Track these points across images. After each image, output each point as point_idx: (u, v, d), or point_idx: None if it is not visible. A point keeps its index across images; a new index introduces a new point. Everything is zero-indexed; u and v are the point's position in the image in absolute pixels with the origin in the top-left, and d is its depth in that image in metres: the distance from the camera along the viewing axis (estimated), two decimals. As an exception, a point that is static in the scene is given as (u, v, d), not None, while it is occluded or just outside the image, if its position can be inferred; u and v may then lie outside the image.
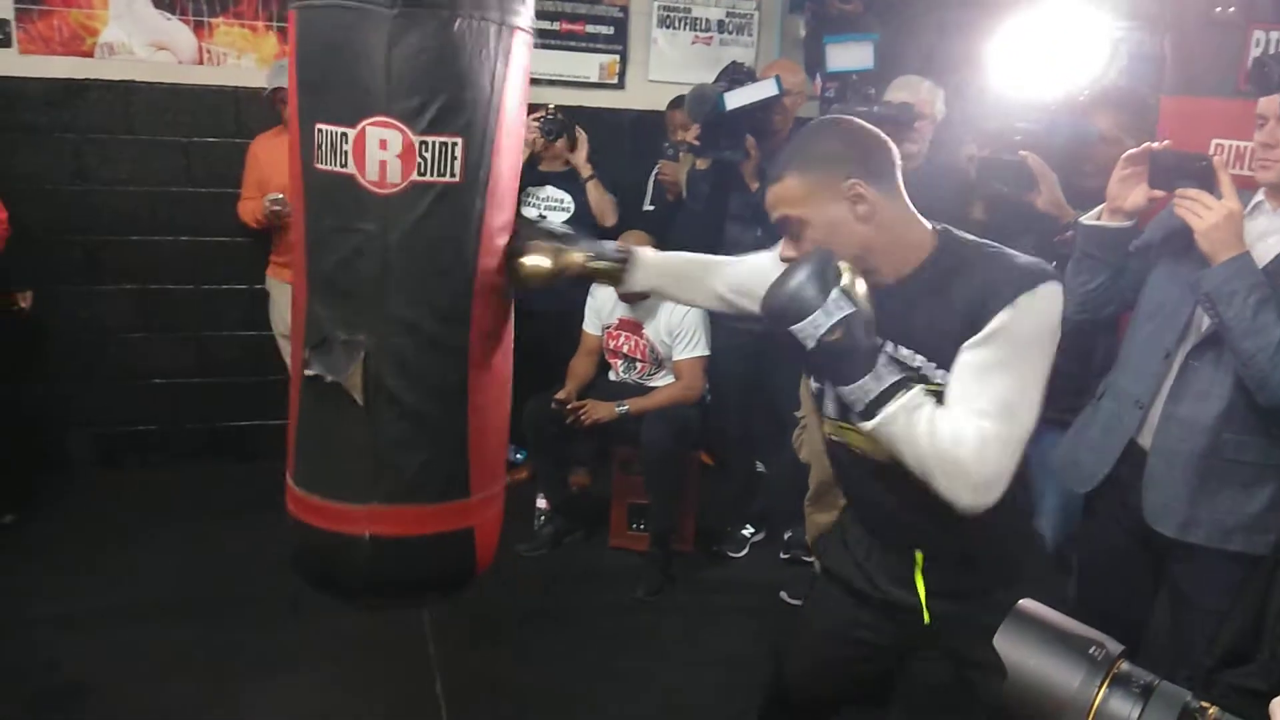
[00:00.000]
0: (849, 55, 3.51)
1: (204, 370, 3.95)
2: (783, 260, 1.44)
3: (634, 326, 3.42)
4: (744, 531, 3.56)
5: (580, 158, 3.65)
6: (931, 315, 1.40)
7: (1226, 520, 1.79)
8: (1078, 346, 2.37)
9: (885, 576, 1.60)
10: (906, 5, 4.03)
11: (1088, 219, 1.96)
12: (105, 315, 3.81)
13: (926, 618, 1.57)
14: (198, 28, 3.74)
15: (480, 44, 1.65)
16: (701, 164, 3.23)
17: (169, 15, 3.70)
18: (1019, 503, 1.51)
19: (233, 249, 3.88)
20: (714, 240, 3.22)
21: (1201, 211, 1.69)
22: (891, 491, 1.45)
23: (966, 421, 1.31)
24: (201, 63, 3.76)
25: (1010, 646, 0.86)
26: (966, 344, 1.35)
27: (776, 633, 2.93)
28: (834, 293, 1.31)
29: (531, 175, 3.71)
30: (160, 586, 3.06)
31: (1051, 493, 2.49)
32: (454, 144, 1.65)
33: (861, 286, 1.35)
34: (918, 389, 1.34)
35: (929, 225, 1.48)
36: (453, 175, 1.66)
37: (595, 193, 3.65)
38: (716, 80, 3.10)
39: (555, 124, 3.61)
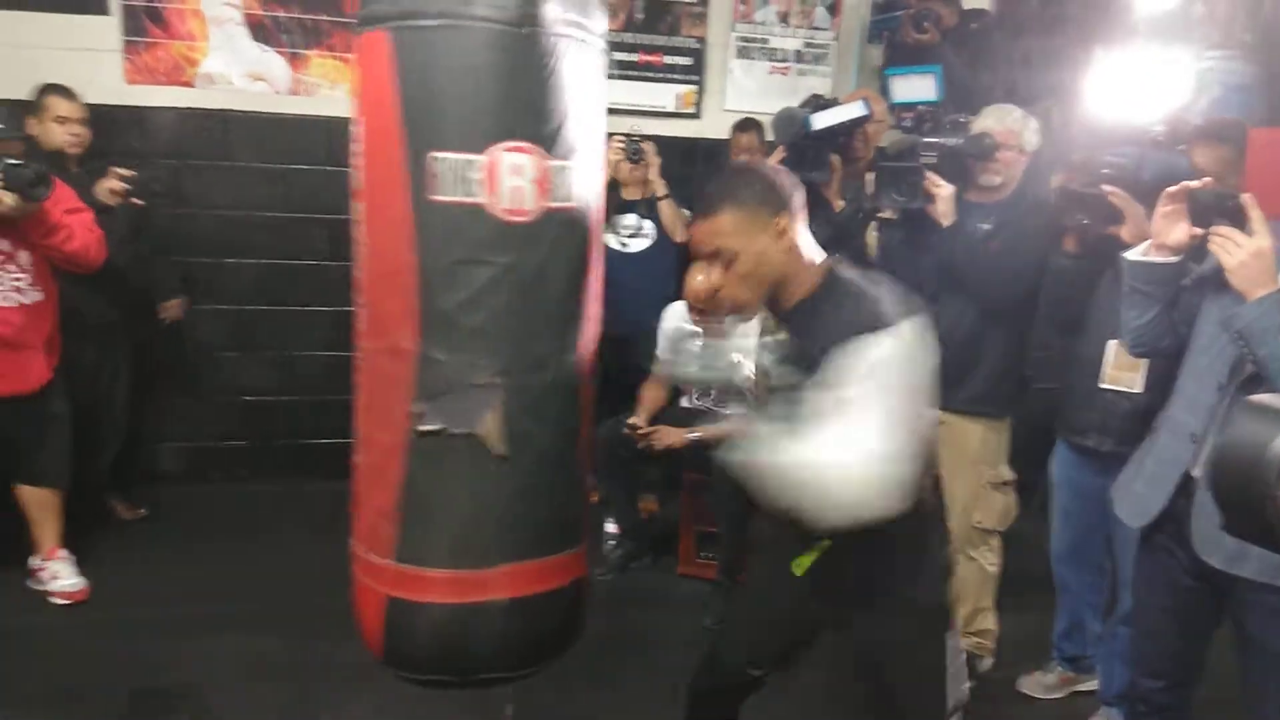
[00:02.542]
0: (911, 87, 3.50)
1: (292, 389, 4.09)
2: (706, 288, 1.64)
3: (707, 354, 3.43)
4: (814, 562, 3.52)
5: (654, 175, 3.73)
6: (805, 342, 1.56)
7: (1277, 556, 1.74)
8: (1155, 381, 2.33)
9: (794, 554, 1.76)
10: (985, 34, 4.00)
11: (1133, 254, 1.97)
12: (200, 334, 3.97)
13: (800, 571, 1.73)
14: (293, 59, 3.90)
15: (588, 65, 1.60)
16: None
17: (265, 47, 3.87)
18: (911, 519, 1.57)
19: (321, 272, 4.02)
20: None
21: (1231, 249, 1.71)
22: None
23: (820, 457, 1.42)
24: (296, 93, 3.91)
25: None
26: (818, 383, 1.47)
27: (844, 665, 2.90)
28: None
29: (615, 203, 3.77)
30: (248, 596, 3.16)
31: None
32: (571, 167, 1.58)
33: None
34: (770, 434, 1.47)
35: (819, 260, 1.64)
36: (570, 200, 1.59)
37: (669, 210, 3.75)
38: (820, 106, 3.12)
39: (637, 147, 3.68)
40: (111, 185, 3.13)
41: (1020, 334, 2.76)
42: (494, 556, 1.62)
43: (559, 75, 1.55)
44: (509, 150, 1.52)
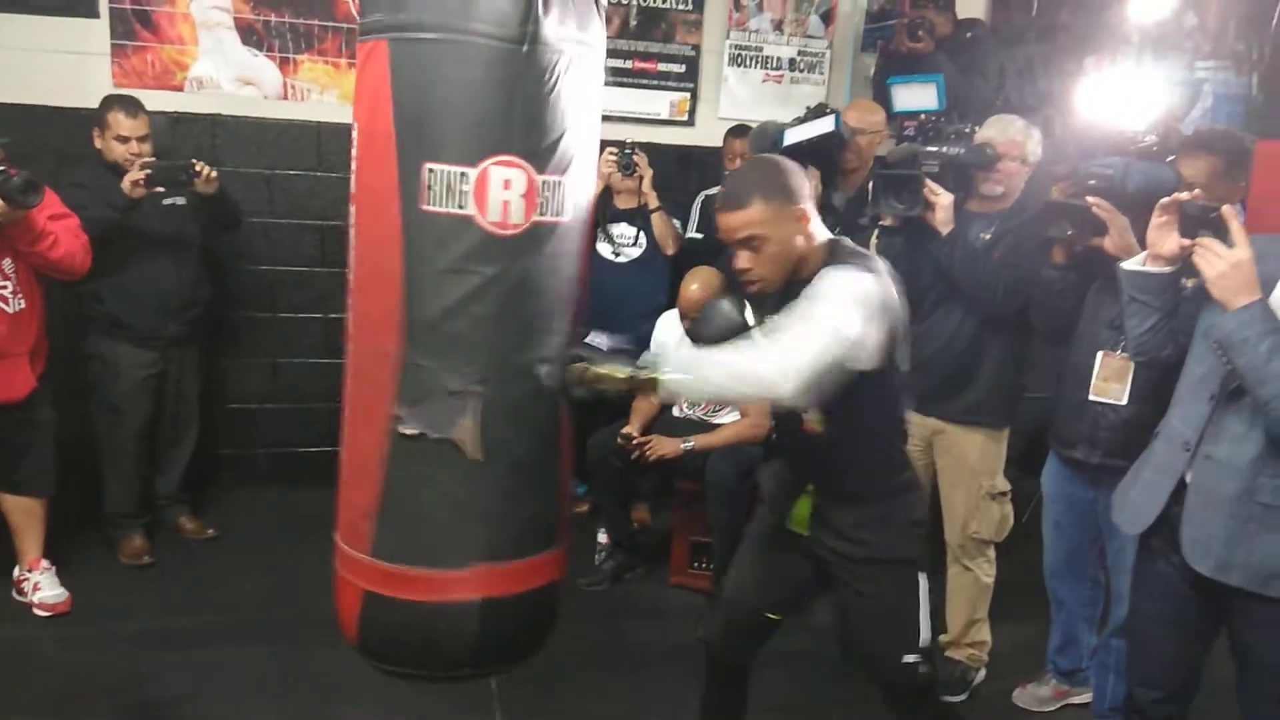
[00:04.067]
0: (913, 96, 3.50)
1: (279, 396, 4.05)
2: (739, 270, 1.85)
3: (700, 363, 3.41)
4: (807, 573, 3.50)
5: (646, 187, 3.69)
6: None
7: (1265, 565, 1.78)
8: (1140, 394, 2.33)
9: (789, 502, 2.05)
10: (978, 43, 4.01)
11: (1129, 264, 2.00)
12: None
13: (805, 530, 2.02)
14: (283, 64, 3.86)
15: (583, 79, 1.62)
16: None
17: (256, 52, 3.83)
18: (892, 460, 1.97)
19: (310, 278, 3.98)
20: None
21: (1212, 260, 1.75)
22: (806, 449, 1.95)
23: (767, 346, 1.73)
24: (286, 98, 3.88)
25: None
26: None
27: (836, 677, 2.88)
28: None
29: (608, 212, 3.75)
30: (238, 607, 3.12)
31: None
32: (562, 183, 1.62)
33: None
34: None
35: (827, 236, 1.89)
36: (562, 214, 1.63)
37: (660, 223, 3.71)
38: (802, 119, 3.12)
39: (629, 159, 3.67)
40: (132, 177, 3.11)
41: (1019, 344, 2.75)
42: (469, 558, 1.68)
43: (557, 92, 1.58)
44: (499, 164, 1.56)
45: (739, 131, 3.78)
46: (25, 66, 3.58)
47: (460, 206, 1.57)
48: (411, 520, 1.68)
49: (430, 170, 1.57)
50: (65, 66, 3.61)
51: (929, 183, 2.58)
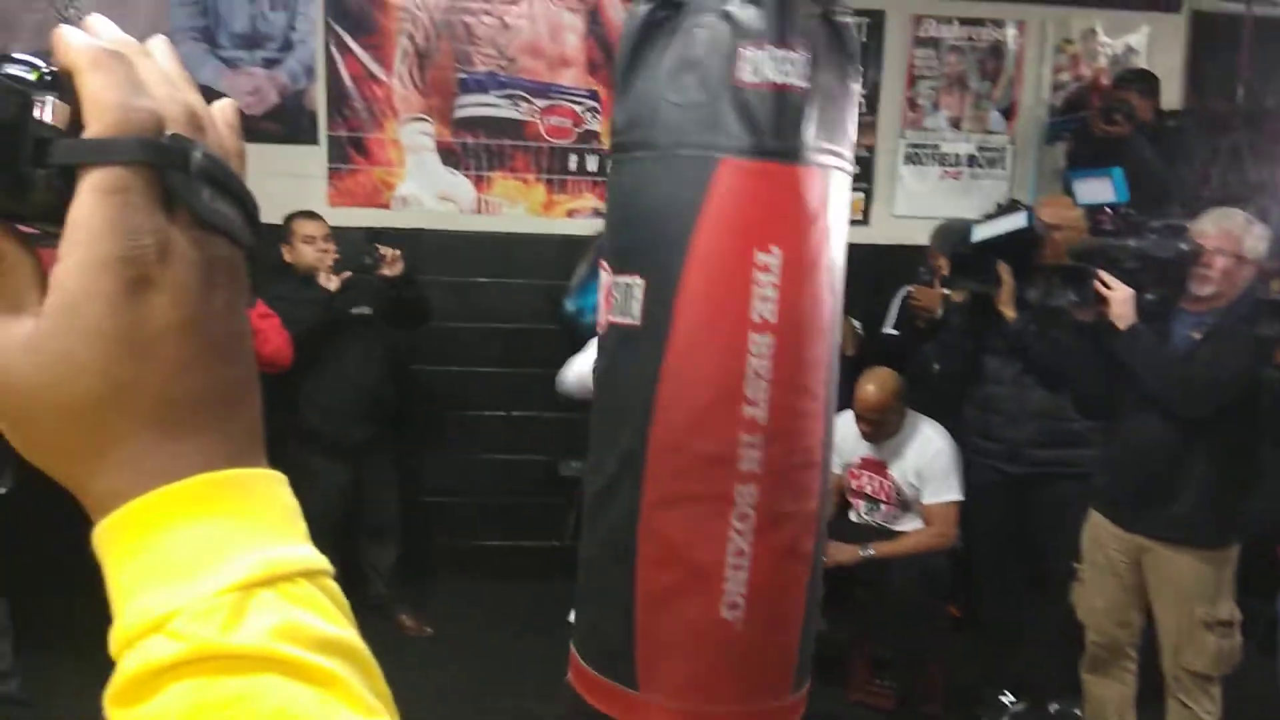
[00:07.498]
0: (1091, 189, 3.35)
1: (464, 490, 4.22)
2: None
3: (878, 466, 3.30)
4: (1002, 698, 3.24)
5: None
6: None
7: None
8: None
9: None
10: (1182, 132, 3.79)
11: None
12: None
13: None
14: (478, 181, 4.15)
15: (673, 178, 1.56)
16: (957, 296, 3.14)
17: (454, 171, 4.14)
18: None
19: (496, 379, 4.17)
20: (970, 371, 3.10)
21: None
22: None
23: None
24: (479, 212, 4.15)
25: None
26: None
27: None
28: None
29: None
30: (437, 701, 3.14)
31: None
32: (633, 284, 1.60)
33: None
34: None
35: None
36: (632, 318, 1.60)
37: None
38: (992, 216, 3.05)
39: None
40: (324, 265, 3.40)
41: (1233, 452, 2.47)
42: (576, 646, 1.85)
43: (627, 193, 1.68)
44: (602, 266, 1.73)
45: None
46: (251, 189, 3.98)
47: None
48: None
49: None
50: (286, 188, 3.98)
51: (1101, 275, 2.45)
